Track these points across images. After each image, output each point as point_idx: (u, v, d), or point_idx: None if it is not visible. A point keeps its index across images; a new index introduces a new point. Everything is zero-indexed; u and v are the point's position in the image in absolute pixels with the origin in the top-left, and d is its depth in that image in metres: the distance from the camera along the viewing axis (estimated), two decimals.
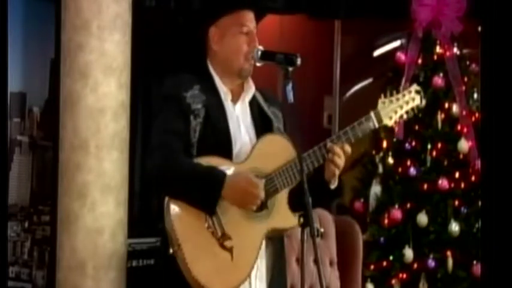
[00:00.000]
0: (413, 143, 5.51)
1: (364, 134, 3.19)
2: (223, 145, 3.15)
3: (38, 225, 5.45)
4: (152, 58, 5.58)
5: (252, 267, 3.10)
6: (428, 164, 5.46)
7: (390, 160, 5.51)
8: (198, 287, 3.04)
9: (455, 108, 5.48)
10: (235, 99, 3.27)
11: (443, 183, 5.37)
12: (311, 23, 6.25)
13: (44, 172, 5.48)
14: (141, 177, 5.50)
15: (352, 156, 3.22)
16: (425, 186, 5.41)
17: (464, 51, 5.64)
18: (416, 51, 5.57)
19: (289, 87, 3.02)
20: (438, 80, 5.50)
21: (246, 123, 3.25)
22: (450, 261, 5.30)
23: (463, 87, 5.52)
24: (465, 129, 5.47)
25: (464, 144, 5.42)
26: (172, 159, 3.08)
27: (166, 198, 3.07)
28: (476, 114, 5.52)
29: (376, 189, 5.53)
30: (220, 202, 3.06)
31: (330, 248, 4.48)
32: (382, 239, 5.43)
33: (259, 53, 3.18)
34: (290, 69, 3.06)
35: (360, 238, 4.60)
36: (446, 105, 5.51)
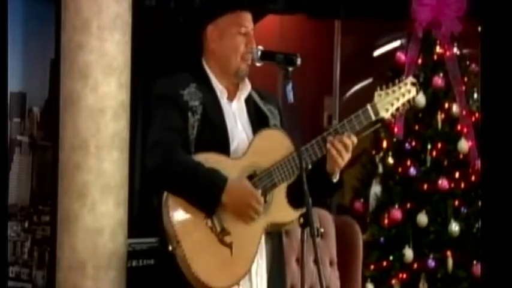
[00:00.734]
0: (413, 143, 5.50)
1: (361, 127, 3.18)
2: (220, 142, 3.15)
3: (38, 225, 5.45)
4: (152, 58, 5.58)
5: (252, 263, 3.11)
6: (428, 164, 5.45)
7: (390, 160, 5.50)
8: (198, 284, 3.04)
9: (455, 108, 5.48)
10: (231, 97, 3.28)
11: (443, 183, 5.37)
12: (311, 23, 6.25)
13: (44, 172, 5.47)
14: (141, 177, 5.50)
15: (351, 154, 3.21)
16: (425, 186, 5.40)
17: (464, 51, 5.63)
18: (416, 51, 5.56)
19: (289, 87, 3.02)
20: (438, 80, 5.49)
21: (242, 120, 3.26)
22: (450, 261, 5.29)
23: (463, 87, 5.51)
24: (465, 129, 5.46)
25: (464, 144, 5.42)
26: (172, 156, 3.08)
27: (165, 194, 3.07)
28: (476, 114, 5.52)
29: (376, 189, 5.53)
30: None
31: (330, 248, 4.48)
32: (382, 239, 5.42)
33: (259, 53, 3.19)
34: (290, 69, 3.07)
35: (360, 238, 4.60)
36: (446, 105, 5.50)
